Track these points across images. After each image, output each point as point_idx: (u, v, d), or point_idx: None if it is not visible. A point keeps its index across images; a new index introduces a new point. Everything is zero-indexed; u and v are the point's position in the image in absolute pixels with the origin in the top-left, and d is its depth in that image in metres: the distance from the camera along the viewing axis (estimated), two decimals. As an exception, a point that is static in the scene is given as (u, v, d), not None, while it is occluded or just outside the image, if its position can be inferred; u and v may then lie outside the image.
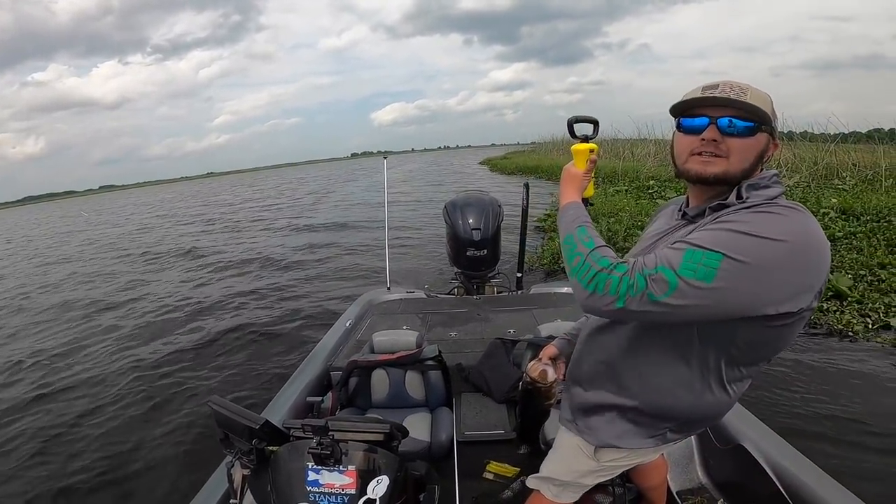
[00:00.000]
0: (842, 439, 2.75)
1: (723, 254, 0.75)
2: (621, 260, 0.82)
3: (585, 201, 1.07)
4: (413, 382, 2.31)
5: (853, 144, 12.57)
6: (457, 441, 2.01)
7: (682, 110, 0.92)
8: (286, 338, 5.16)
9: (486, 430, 2.21)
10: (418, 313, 3.38)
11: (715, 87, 0.87)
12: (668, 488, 1.74)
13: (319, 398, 2.16)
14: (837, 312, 4.39)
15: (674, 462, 1.89)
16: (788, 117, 13.78)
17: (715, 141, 0.87)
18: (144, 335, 5.82)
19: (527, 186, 3.87)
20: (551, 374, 1.28)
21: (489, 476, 1.99)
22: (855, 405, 3.07)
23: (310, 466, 1.14)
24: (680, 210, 1.05)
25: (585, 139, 1.11)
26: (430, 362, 2.29)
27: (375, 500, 1.12)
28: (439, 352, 2.30)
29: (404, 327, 2.97)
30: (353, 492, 1.12)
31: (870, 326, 4.11)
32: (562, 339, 1.38)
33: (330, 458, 1.11)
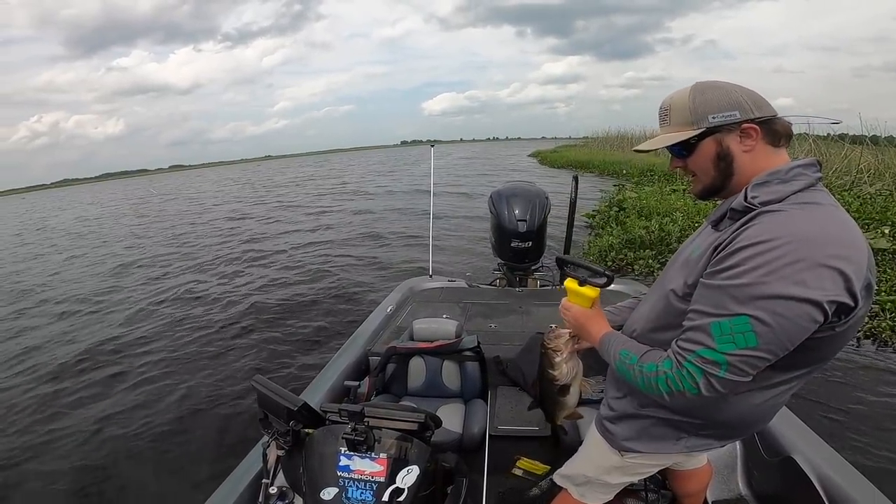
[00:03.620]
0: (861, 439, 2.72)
1: (747, 315, 0.75)
2: (665, 355, 0.87)
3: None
4: (449, 372, 2.30)
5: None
6: (489, 435, 1.98)
7: None
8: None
9: (519, 426, 2.17)
10: (458, 302, 3.35)
11: None
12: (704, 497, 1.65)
13: (356, 383, 2.19)
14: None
15: (714, 470, 1.80)
16: (870, 119, 12.66)
17: (680, 167, 0.94)
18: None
19: (576, 179, 3.73)
20: (564, 342, 1.16)
21: (518, 472, 1.96)
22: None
23: (342, 451, 1.14)
24: None
25: (584, 282, 1.11)
26: (468, 353, 2.27)
27: (404, 489, 1.11)
28: (478, 343, 2.28)
29: (444, 316, 2.95)
30: (382, 479, 1.11)
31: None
32: (609, 310, 1.27)
33: (363, 444, 1.11)
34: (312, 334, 4.91)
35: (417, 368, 2.31)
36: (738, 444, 1.86)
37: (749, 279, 0.75)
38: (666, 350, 0.89)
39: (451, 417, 2.06)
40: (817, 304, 0.72)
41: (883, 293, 4.55)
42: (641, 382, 0.90)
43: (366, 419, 1.14)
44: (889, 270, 5.07)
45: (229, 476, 1.62)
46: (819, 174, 0.83)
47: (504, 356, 2.56)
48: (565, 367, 1.18)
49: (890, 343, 3.97)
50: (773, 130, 0.85)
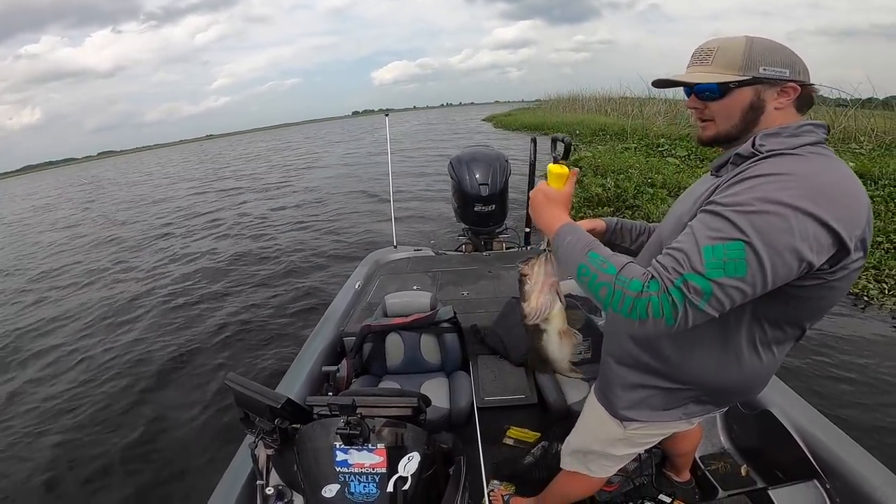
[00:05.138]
0: (841, 399, 2.83)
1: (743, 240, 0.71)
2: (650, 273, 0.76)
3: None
4: (428, 346, 2.25)
5: (870, 111, 12.21)
6: (477, 407, 1.96)
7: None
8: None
9: (505, 395, 2.14)
10: (427, 272, 3.29)
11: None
12: None
13: (334, 367, 2.10)
14: (853, 276, 4.36)
15: None
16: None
17: (698, 108, 0.90)
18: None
19: (534, 141, 3.71)
20: (533, 265, 1.02)
21: (509, 442, 1.96)
22: (857, 365, 3.14)
23: (337, 446, 1.08)
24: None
25: (555, 160, 1.03)
26: (445, 325, 2.23)
27: (407, 477, 1.07)
28: (454, 313, 2.23)
29: (415, 287, 2.89)
30: (383, 470, 1.07)
31: (885, 292, 4.08)
32: (611, 220, 1.23)
33: (358, 436, 1.05)
34: (278, 319, 4.71)
35: (395, 345, 2.25)
36: None
37: (754, 206, 0.72)
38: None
39: (437, 393, 2.02)
40: (809, 246, 0.71)
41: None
42: (615, 299, 0.76)
43: (358, 410, 1.08)
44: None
45: (220, 481, 1.52)
46: (826, 135, 0.84)
47: (481, 324, 2.53)
48: (535, 301, 1.01)
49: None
50: (807, 96, 0.85)
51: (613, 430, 1.14)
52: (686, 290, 0.72)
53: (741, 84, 0.83)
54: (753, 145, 0.82)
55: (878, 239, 4.95)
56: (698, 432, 1.59)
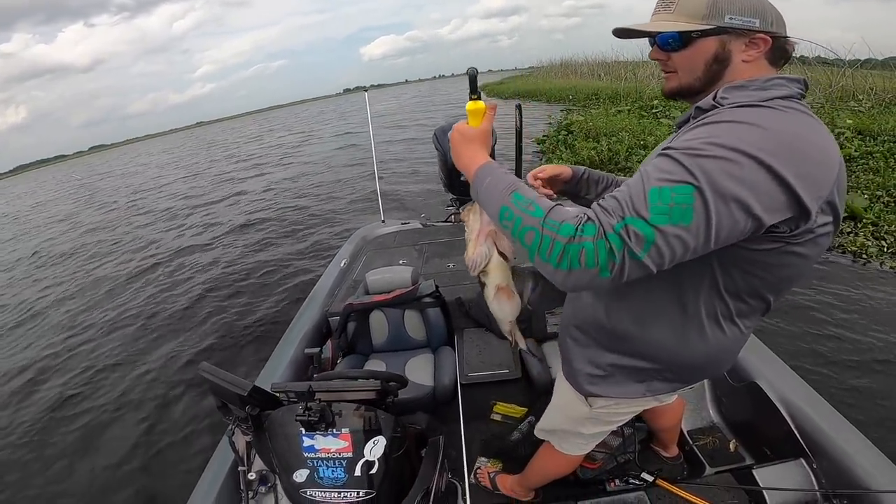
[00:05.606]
0: (839, 359, 2.76)
1: (692, 184, 0.62)
2: (584, 217, 0.65)
3: None
4: (413, 322, 2.21)
5: (867, 70, 11.98)
6: (460, 384, 1.92)
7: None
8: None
9: (490, 371, 2.11)
10: (414, 245, 3.26)
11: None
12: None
13: (317, 349, 2.06)
14: (852, 234, 4.24)
15: (685, 401, 1.81)
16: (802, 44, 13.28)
17: (661, 59, 0.84)
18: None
19: (519, 108, 3.58)
20: (470, 210, 0.99)
21: (497, 417, 1.92)
22: (858, 327, 3.06)
23: (302, 432, 1.06)
24: None
25: (470, 97, 0.91)
26: (428, 299, 2.18)
27: (374, 462, 1.04)
28: (436, 287, 2.18)
29: (401, 262, 2.84)
30: (349, 455, 1.04)
31: (884, 249, 3.98)
32: (578, 168, 1.13)
33: (320, 423, 1.01)
34: (267, 297, 4.69)
35: (379, 323, 2.20)
36: None
37: (707, 151, 0.64)
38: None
39: (421, 370, 1.98)
40: (758, 200, 0.63)
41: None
42: (543, 246, 0.66)
43: (317, 396, 1.04)
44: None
45: (206, 469, 1.52)
46: (802, 90, 0.74)
47: (466, 297, 2.48)
48: (471, 250, 0.97)
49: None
50: (780, 48, 0.78)
51: (580, 409, 1.09)
52: (626, 237, 0.62)
53: (704, 34, 0.75)
54: (715, 98, 0.75)
55: (878, 193, 4.87)
56: (679, 408, 1.55)
